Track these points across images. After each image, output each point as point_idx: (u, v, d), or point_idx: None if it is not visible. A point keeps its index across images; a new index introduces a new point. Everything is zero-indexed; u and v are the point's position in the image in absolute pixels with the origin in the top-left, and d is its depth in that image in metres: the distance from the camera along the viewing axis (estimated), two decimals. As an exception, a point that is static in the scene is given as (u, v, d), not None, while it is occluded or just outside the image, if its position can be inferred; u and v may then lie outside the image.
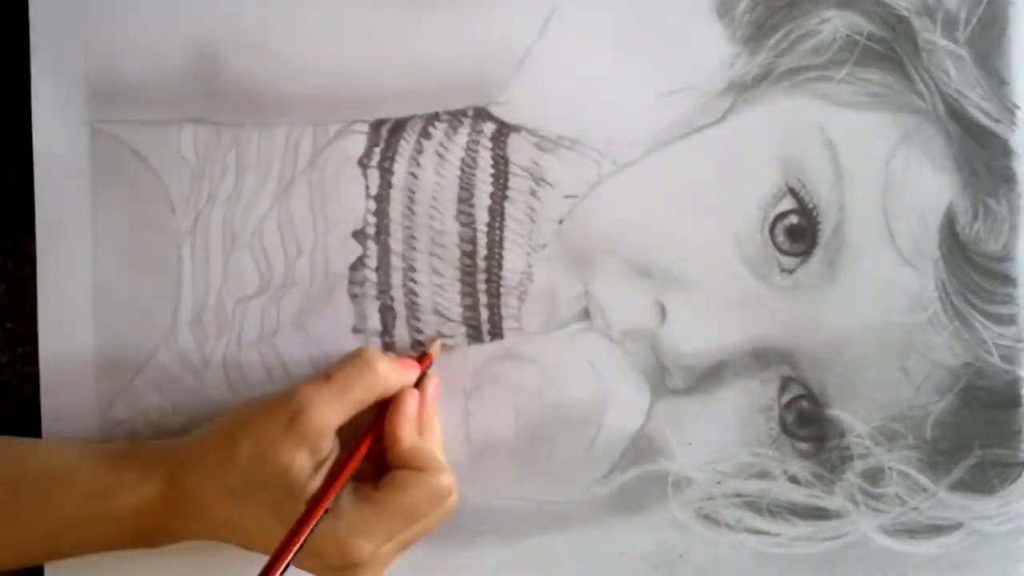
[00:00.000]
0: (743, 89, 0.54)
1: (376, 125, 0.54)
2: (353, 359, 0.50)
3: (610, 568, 0.54)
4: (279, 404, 0.48)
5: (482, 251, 0.54)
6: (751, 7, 0.54)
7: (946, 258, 0.54)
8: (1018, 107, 0.54)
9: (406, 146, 0.54)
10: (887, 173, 0.53)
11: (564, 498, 0.54)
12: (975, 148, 0.54)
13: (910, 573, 0.54)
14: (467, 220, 0.54)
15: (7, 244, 0.54)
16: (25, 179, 0.54)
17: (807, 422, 0.54)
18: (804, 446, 0.54)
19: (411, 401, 0.50)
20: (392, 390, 0.50)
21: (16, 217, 0.54)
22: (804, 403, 0.54)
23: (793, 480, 0.54)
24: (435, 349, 0.53)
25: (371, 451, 0.50)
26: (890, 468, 0.54)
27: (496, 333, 0.54)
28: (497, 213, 0.54)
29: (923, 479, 0.54)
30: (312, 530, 0.46)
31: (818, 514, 0.54)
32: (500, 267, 0.54)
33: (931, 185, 0.54)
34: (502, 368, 0.54)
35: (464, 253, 0.54)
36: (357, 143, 0.54)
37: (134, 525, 0.49)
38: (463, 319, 0.54)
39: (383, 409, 0.50)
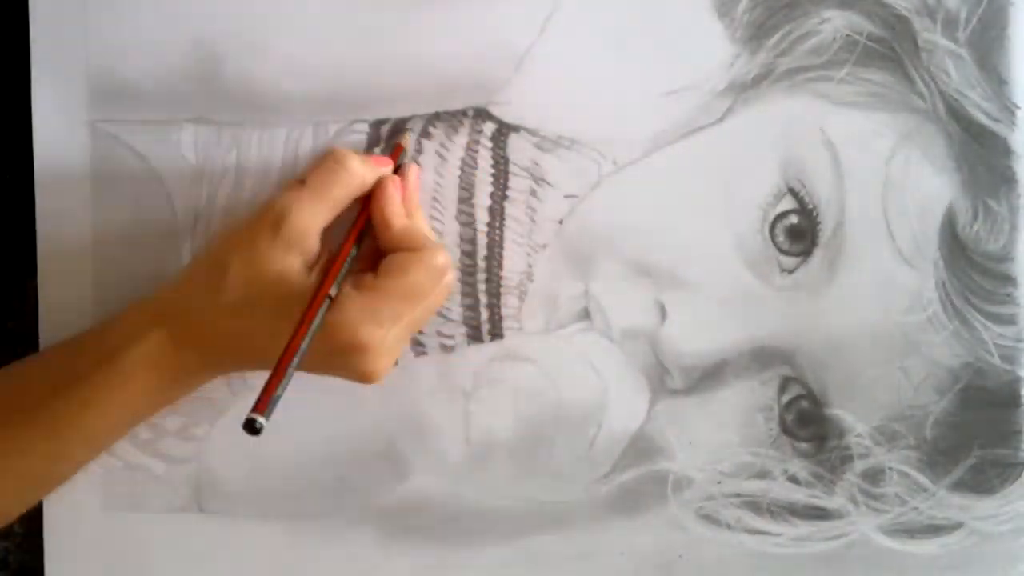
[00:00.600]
0: (743, 89, 0.53)
1: (376, 125, 0.53)
2: (325, 160, 0.50)
3: (610, 568, 0.54)
4: (259, 218, 0.49)
5: (482, 251, 0.54)
6: (751, 7, 0.53)
7: (946, 258, 0.53)
8: (1018, 107, 0.53)
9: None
10: (887, 173, 0.53)
11: (564, 498, 0.54)
12: (975, 148, 0.53)
13: (910, 573, 0.54)
14: (467, 220, 0.54)
15: (7, 244, 0.54)
16: (25, 179, 0.53)
17: (807, 422, 0.54)
18: (804, 446, 0.54)
19: (391, 184, 0.51)
20: (369, 184, 0.51)
21: (16, 217, 0.54)
22: (804, 403, 0.54)
23: (793, 480, 0.54)
24: (405, 140, 0.53)
25: (362, 241, 0.50)
26: (890, 468, 0.54)
27: (496, 333, 0.54)
28: (497, 213, 0.54)
29: (923, 479, 0.54)
30: (319, 320, 0.46)
31: (818, 514, 0.54)
32: (500, 267, 0.54)
33: (931, 185, 0.53)
34: (502, 368, 0.54)
35: (464, 253, 0.54)
36: (357, 143, 0.53)
37: (150, 379, 0.49)
38: (463, 319, 0.54)
39: (368, 202, 0.51)
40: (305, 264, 0.48)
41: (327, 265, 0.49)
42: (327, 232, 0.50)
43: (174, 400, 0.51)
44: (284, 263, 0.48)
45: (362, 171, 0.50)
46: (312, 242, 0.48)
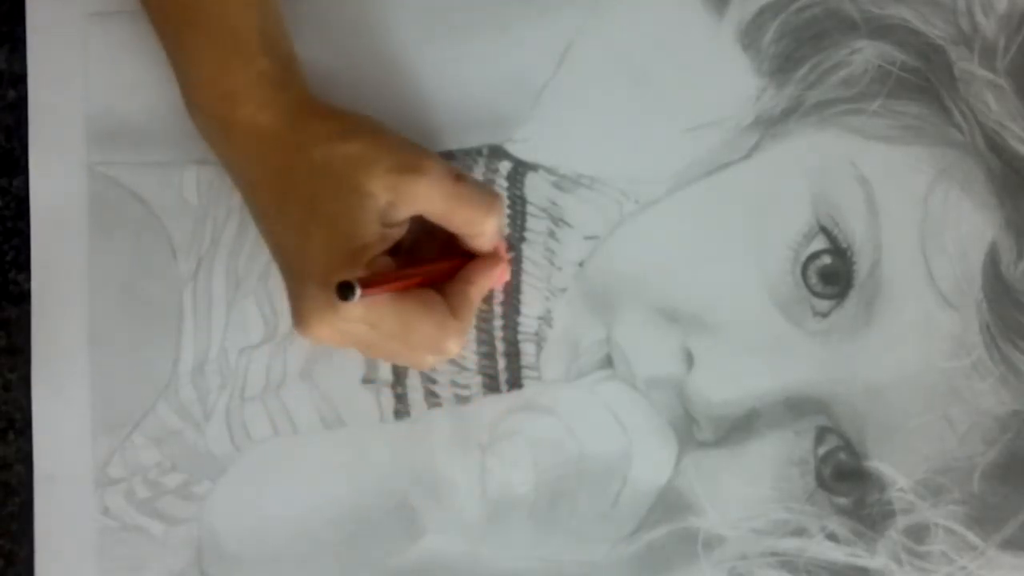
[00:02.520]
0: (771, 123, 0.52)
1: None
2: (487, 194, 0.49)
3: (638, 634, 0.52)
4: (406, 147, 0.48)
5: (498, 296, 0.53)
6: (777, 38, 0.53)
7: (990, 299, 0.52)
8: (1062, 139, 0.52)
9: (418, 186, 0.53)
10: (925, 210, 0.52)
11: (587, 558, 0.52)
12: (1018, 182, 0.52)
13: (960, 637, 0.52)
14: None
15: (1, 290, 0.54)
16: (21, 224, 0.53)
17: (845, 475, 0.52)
18: (843, 501, 0.52)
19: (503, 271, 0.51)
20: (474, 242, 0.49)
21: (11, 262, 0.54)
22: (842, 455, 0.52)
23: (832, 537, 0.52)
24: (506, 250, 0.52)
25: (436, 274, 0.49)
26: (935, 524, 0.52)
27: (514, 383, 0.53)
28: (514, 256, 0.53)
29: (971, 536, 0.52)
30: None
31: (859, 574, 0.52)
32: (518, 312, 0.53)
33: (972, 222, 0.52)
34: (520, 420, 0.53)
35: None
36: None
37: None
38: (479, 368, 0.53)
39: (461, 255, 0.50)
40: (384, 216, 0.47)
41: (396, 261, 0.48)
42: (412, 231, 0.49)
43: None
44: (380, 193, 0.46)
45: (491, 233, 0.49)
46: (406, 211, 0.47)
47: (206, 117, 0.49)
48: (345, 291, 0.42)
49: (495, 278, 0.51)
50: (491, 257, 0.50)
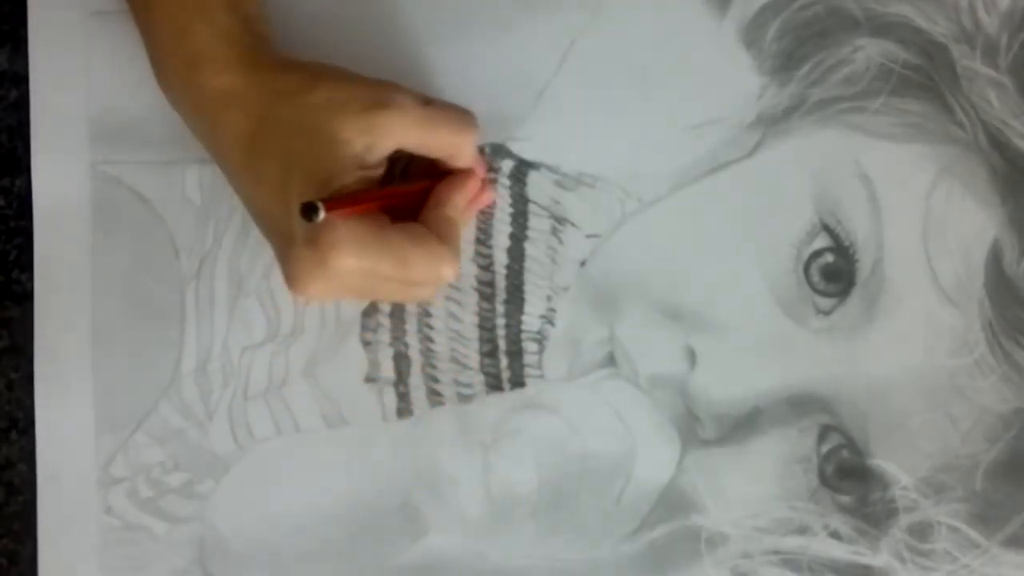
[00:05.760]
0: (773, 122, 0.52)
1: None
2: (460, 112, 0.49)
3: (641, 632, 0.52)
4: (371, 84, 0.48)
5: (501, 295, 0.53)
6: (779, 36, 0.52)
7: (992, 297, 0.51)
8: (1064, 137, 0.52)
9: (421, 184, 0.53)
10: (927, 208, 0.52)
11: (590, 556, 0.52)
12: (1020, 180, 0.52)
13: (963, 635, 0.52)
14: (485, 262, 0.53)
15: (4, 289, 0.54)
16: (24, 223, 0.53)
17: (848, 473, 0.52)
18: (846, 499, 0.52)
19: (475, 184, 0.50)
20: (457, 162, 0.50)
21: (14, 262, 0.54)
22: (845, 453, 0.52)
23: (835, 536, 0.52)
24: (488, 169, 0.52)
25: (409, 198, 0.49)
26: (938, 522, 0.52)
27: (517, 381, 0.52)
28: (516, 254, 0.53)
29: (974, 534, 0.51)
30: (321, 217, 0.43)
31: (862, 572, 0.52)
32: (520, 311, 0.53)
33: (975, 220, 0.52)
34: (523, 418, 0.52)
35: (482, 297, 0.53)
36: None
37: None
38: (481, 367, 0.53)
39: (439, 175, 0.50)
40: (361, 158, 0.46)
41: (372, 184, 0.47)
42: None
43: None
44: (355, 136, 0.46)
45: (469, 150, 0.49)
46: (384, 147, 0.47)
47: (173, 85, 0.49)
48: (309, 212, 0.42)
49: (469, 192, 0.50)
50: (460, 172, 0.50)
